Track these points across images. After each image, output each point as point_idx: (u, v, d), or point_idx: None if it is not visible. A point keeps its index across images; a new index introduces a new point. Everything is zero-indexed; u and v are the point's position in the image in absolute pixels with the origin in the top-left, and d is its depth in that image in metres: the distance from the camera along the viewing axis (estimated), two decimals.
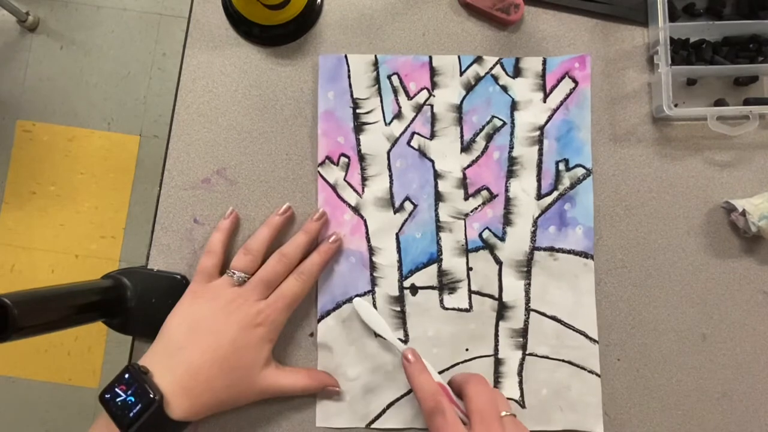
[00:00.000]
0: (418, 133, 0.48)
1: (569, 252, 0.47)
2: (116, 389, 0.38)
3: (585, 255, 0.47)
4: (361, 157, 0.48)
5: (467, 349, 0.46)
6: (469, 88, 0.48)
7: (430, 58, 0.49)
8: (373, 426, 0.45)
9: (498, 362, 0.46)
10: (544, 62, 0.48)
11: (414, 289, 0.47)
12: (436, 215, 0.47)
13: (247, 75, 0.49)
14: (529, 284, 0.47)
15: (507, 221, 0.47)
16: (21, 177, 1.34)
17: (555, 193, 0.47)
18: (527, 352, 0.46)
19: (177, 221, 0.48)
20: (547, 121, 0.48)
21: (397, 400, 0.45)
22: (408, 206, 0.47)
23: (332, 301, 0.46)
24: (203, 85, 0.49)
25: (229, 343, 0.41)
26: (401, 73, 0.49)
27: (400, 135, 0.48)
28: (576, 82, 0.48)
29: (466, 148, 0.48)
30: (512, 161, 0.48)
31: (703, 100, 0.49)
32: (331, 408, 0.45)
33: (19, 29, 1.38)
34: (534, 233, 0.47)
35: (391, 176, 0.48)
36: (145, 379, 0.38)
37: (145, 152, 1.35)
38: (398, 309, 0.46)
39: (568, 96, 0.48)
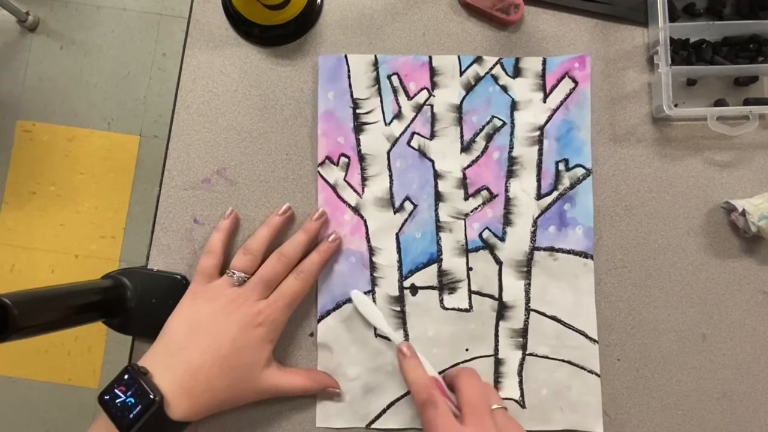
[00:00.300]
0: (418, 133, 0.48)
1: (569, 252, 0.47)
2: (116, 390, 0.38)
3: (585, 255, 0.47)
4: (361, 157, 0.48)
5: (467, 349, 0.46)
6: (469, 88, 0.48)
7: (430, 58, 0.49)
8: (373, 426, 0.45)
9: (498, 362, 0.46)
10: (544, 62, 0.48)
11: (414, 289, 0.47)
12: (436, 215, 0.47)
13: (247, 75, 0.49)
14: (529, 284, 0.47)
15: (507, 221, 0.47)
16: (21, 177, 1.34)
17: (555, 193, 0.47)
18: (527, 352, 0.46)
19: (177, 221, 0.48)
20: (547, 121, 0.48)
21: (397, 400, 0.45)
22: (408, 206, 0.47)
23: (332, 301, 0.46)
24: (203, 85, 0.49)
25: (229, 343, 0.41)
26: (401, 73, 0.49)
27: (400, 135, 0.48)
28: (576, 82, 0.48)
29: (466, 148, 0.48)
30: (512, 161, 0.48)
31: (703, 100, 0.49)
32: (331, 408, 0.45)
33: (19, 29, 1.38)
34: (534, 233, 0.47)
35: (391, 176, 0.48)
36: (144, 379, 0.38)
37: (145, 152, 1.35)
38: (398, 309, 0.46)
39: (568, 96, 0.48)
